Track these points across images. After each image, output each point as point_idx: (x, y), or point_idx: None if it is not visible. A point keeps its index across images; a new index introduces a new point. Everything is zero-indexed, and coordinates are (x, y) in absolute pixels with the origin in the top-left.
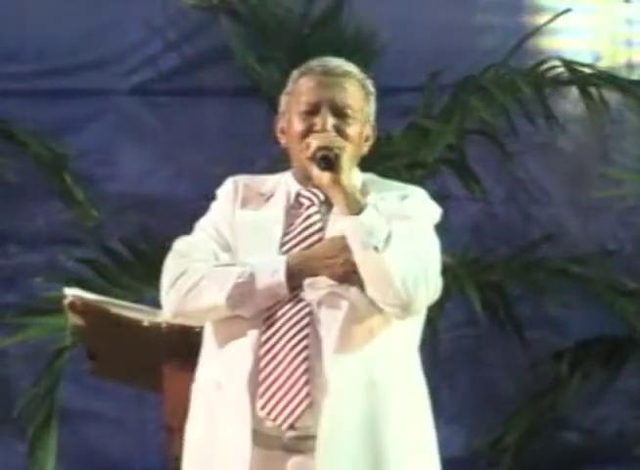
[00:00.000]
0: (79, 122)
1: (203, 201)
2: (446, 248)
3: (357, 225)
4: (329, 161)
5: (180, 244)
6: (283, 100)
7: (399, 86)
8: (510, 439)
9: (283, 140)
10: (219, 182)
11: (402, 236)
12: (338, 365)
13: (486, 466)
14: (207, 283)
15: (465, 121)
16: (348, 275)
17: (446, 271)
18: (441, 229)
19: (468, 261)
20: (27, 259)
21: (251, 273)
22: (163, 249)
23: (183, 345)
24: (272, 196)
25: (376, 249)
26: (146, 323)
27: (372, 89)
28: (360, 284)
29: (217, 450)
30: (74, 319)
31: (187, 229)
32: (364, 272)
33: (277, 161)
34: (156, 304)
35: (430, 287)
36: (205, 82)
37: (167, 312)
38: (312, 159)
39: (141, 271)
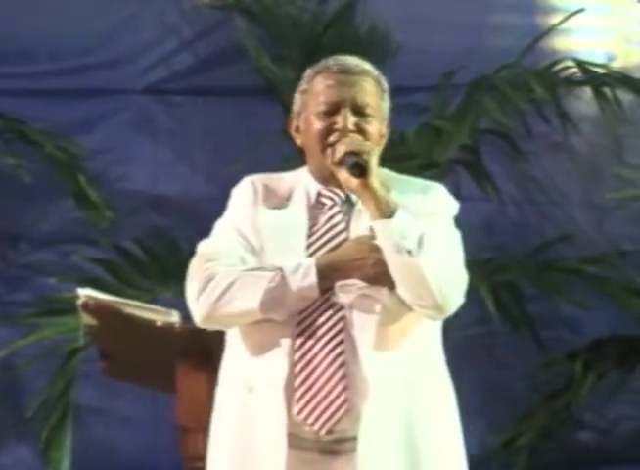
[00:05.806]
0: (93, 122)
1: (217, 200)
2: None
3: (390, 229)
4: (361, 167)
5: (205, 247)
6: (298, 99)
7: (413, 86)
8: (524, 439)
9: (298, 140)
10: (233, 181)
11: (434, 238)
12: (375, 368)
13: (501, 466)
14: (239, 288)
15: (478, 121)
16: (380, 276)
17: None
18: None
19: (481, 261)
20: (39, 258)
21: (282, 277)
22: (177, 249)
23: (196, 345)
24: (291, 196)
25: (409, 252)
26: (159, 323)
27: (386, 86)
28: (391, 284)
29: (252, 453)
30: (88, 319)
31: (201, 229)
32: (397, 275)
33: (288, 160)
34: (169, 304)
35: (462, 288)
36: (220, 81)
37: (197, 317)
38: (340, 164)
39: (155, 272)
